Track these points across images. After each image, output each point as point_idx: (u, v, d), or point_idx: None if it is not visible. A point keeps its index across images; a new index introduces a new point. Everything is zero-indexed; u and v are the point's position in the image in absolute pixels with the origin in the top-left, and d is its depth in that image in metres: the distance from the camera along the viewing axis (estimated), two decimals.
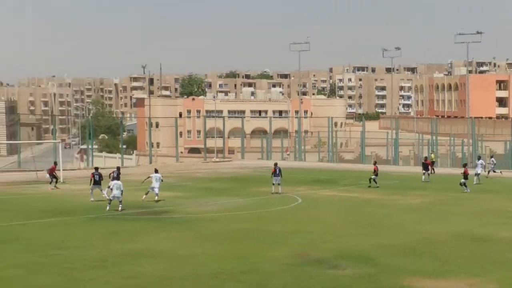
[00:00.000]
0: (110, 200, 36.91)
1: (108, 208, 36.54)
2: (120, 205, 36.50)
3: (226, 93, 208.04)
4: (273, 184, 45.02)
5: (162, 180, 40.80)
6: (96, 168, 43.59)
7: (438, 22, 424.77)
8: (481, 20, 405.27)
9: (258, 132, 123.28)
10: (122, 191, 36.78)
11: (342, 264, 23.74)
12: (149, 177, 41.17)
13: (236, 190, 48.07)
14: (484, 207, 39.08)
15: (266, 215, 36.12)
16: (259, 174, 59.05)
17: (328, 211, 37.45)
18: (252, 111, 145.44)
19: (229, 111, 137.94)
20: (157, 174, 40.74)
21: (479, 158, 57.92)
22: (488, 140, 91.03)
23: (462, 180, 46.44)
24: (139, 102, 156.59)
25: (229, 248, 26.59)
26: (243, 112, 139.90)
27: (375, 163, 52.32)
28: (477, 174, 52.96)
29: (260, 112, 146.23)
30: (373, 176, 49.27)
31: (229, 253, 25.48)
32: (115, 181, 37.49)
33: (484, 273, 22.86)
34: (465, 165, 49.78)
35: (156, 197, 40.20)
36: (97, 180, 41.08)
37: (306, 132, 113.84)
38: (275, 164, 45.87)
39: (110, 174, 41.13)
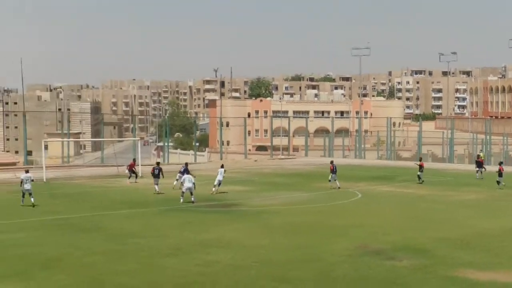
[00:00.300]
0: (183, 192, 37.16)
1: (181, 200, 36.82)
2: (193, 197, 36.72)
3: (291, 94, 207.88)
4: (329, 180, 44.82)
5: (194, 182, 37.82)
6: (158, 163, 44.32)
7: (492, 28, 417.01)
8: None
9: (321, 131, 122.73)
10: (194, 183, 37.02)
11: (400, 256, 23.42)
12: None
13: (300, 185, 47.92)
14: None
15: (328, 209, 35.91)
16: (321, 170, 58.68)
17: (386, 206, 37.05)
18: (315, 112, 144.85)
19: (294, 112, 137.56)
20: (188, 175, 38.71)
21: None
22: None
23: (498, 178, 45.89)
24: (211, 103, 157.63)
25: (292, 239, 26.48)
26: (307, 112, 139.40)
27: (420, 159, 51.81)
28: None
29: (323, 112, 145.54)
30: (418, 173, 48.63)
31: (293, 244, 25.39)
32: (187, 175, 37.74)
33: None
34: (500, 163, 48.73)
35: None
36: (156, 174, 41.54)
37: (366, 131, 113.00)
38: (331, 162, 45.77)
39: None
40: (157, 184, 41.68)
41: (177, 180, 43.24)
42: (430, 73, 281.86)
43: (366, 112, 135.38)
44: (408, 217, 32.82)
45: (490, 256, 23.83)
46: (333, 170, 44.68)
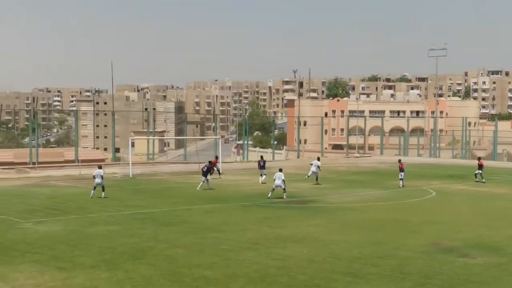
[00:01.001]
0: (273, 189, 37.20)
1: (270, 195, 36.96)
2: (284, 194, 36.85)
3: (367, 95, 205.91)
4: (400, 179, 44.36)
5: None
6: (210, 162, 44.81)
7: None
8: None
9: (396, 131, 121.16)
10: (283, 180, 37.00)
11: (473, 253, 22.94)
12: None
13: (375, 183, 47.46)
14: None
15: (402, 206, 35.45)
16: (395, 169, 57.92)
17: (460, 204, 36.34)
18: (391, 111, 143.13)
19: (370, 111, 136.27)
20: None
21: None
22: None
23: None
24: (290, 103, 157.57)
25: (367, 235, 26.25)
26: (383, 112, 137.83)
27: (479, 159, 50.46)
28: None
29: (398, 112, 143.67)
30: (477, 171, 47.54)
31: (367, 240, 25.16)
32: (278, 173, 37.64)
33: None
34: None
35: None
36: (204, 171, 41.69)
37: (441, 131, 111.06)
38: (399, 161, 45.36)
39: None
40: (204, 181, 41.90)
41: (261, 175, 45.66)
42: (507, 74, 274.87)
43: (441, 112, 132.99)
44: (482, 215, 32.13)
45: None
46: (402, 169, 44.21)
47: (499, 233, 26.92)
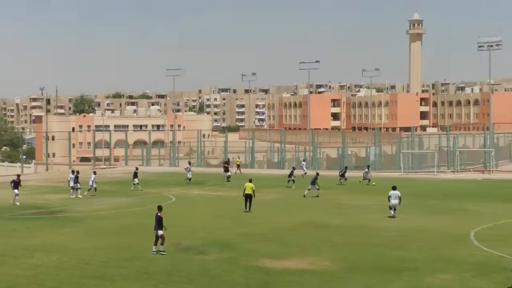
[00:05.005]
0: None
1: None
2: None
3: (112, 110, 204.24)
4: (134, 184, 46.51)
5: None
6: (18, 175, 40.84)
7: (285, 52, 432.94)
8: (319, 50, 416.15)
9: (139, 143, 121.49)
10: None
11: (209, 251, 23.69)
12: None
13: (121, 192, 46.97)
14: (320, 201, 39.85)
15: (146, 212, 35.44)
16: (140, 178, 58.01)
17: (197, 207, 37.27)
18: (134, 125, 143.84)
19: (115, 126, 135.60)
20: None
21: (303, 160, 61.38)
22: (324, 147, 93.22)
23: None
24: (38, 119, 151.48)
25: (114, 240, 26.00)
26: (127, 126, 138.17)
27: (225, 163, 54.79)
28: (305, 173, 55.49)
29: (141, 126, 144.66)
30: (229, 173, 51.25)
31: (115, 245, 24.93)
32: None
33: (320, 253, 23.39)
34: (293, 168, 51.21)
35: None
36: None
37: (179, 142, 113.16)
38: (137, 168, 46.82)
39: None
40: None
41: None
42: (235, 91, 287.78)
43: (179, 125, 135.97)
44: (217, 216, 33.22)
45: (285, 246, 24.69)
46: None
47: (230, 232, 28.06)
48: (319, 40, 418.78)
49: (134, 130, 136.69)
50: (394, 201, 31.62)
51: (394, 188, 32.29)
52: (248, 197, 34.17)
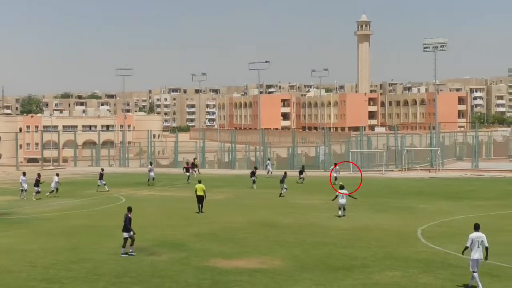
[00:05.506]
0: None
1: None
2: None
3: (61, 111, 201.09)
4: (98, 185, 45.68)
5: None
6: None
7: (235, 52, 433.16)
8: (269, 50, 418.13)
9: (89, 143, 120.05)
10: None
11: (159, 251, 23.52)
12: None
13: (69, 193, 46.24)
14: (272, 200, 40.01)
15: (94, 213, 35.09)
16: (89, 179, 57.31)
17: (147, 208, 36.92)
18: (83, 126, 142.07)
19: (63, 126, 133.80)
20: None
21: (268, 159, 61.28)
22: (275, 146, 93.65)
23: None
24: None
25: (63, 242, 25.59)
26: (76, 126, 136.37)
27: (191, 163, 53.35)
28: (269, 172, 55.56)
29: (90, 126, 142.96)
30: (189, 174, 50.94)
31: (63, 246, 24.55)
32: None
33: (271, 252, 23.45)
34: (256, 168, 50.84)
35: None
36: None
37: (129, 143, 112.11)
38: (102, 169, 45.58)
39: None
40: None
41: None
42: (185, 91, 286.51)
43: (129, 126, 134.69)
44: (167, 216, 33.01)
45: (236, 246, 24.68)
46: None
47: (181, 232, 27.91)
48: (269, 41, 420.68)
49: (83, 131, 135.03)
50: (342, 200, 31.90)
51: (341, 187, 32.62)
52: (199, 199, 34.05)
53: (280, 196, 41.17)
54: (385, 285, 18.83)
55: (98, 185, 45.97)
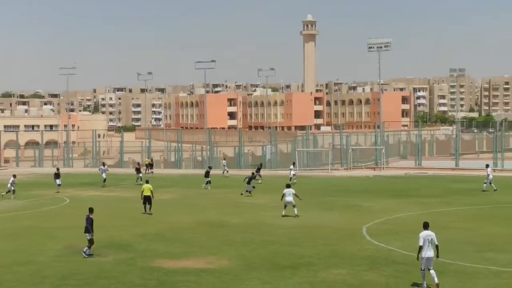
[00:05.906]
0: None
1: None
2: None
3: (2, 110, 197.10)
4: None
5: None
6: None
7: (180, 50, 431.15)
8: (216, 50, 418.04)
9: (32, 144, 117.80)
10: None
11: (105, 252, 23.33)
12: None
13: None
14: (220, 200, 40.02)
15: (39, 214, 34.55)
16: (32, 180, 56.28)
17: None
18: (26, 126, 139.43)
19: (5, 126, 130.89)
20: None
21: (223, 158, 61.67)
22: (221, 146, 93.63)
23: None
24: None
25: (6, 244, 25.17)
26: (18, 126, 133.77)
27: (137, 163, 53.85)
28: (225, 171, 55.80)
29: (33, 126, 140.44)
30: (140, 175, 49.66)
31: (7, 249, 24.16)
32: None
33: (219, 252, 23.53)
34: (210, 168, 50.12)
35: None
36: None
37: (73, 142, 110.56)
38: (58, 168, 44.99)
39: None
40: None
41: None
42: (130, 90, 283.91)
43: (73, 125, 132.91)
44: (112, 217, 32.69)
45: (183, 246, 24.67)
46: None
47: (127, 232, 27.73)
48: (215, 40, 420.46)
49: (25, 131, 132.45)
50: (289, 198, 32.13)
51: (288, 186, 32.91)
52: (147, 199, 33.77)
53: (241, 194, 41.10)
54: (331, 283, 19.13)
55: (58, 185, 45.00)
